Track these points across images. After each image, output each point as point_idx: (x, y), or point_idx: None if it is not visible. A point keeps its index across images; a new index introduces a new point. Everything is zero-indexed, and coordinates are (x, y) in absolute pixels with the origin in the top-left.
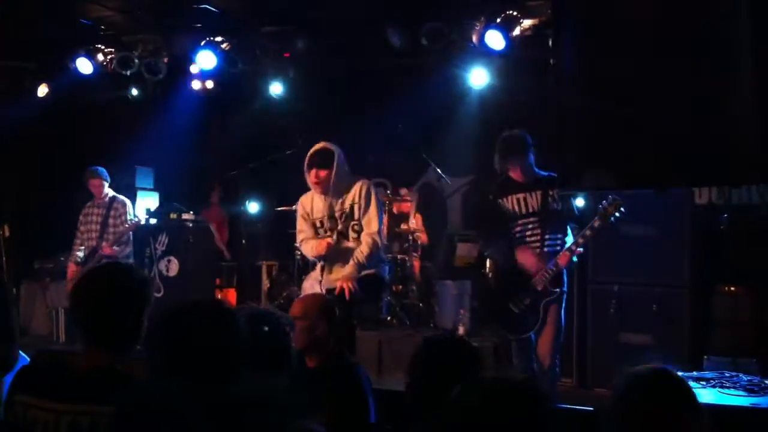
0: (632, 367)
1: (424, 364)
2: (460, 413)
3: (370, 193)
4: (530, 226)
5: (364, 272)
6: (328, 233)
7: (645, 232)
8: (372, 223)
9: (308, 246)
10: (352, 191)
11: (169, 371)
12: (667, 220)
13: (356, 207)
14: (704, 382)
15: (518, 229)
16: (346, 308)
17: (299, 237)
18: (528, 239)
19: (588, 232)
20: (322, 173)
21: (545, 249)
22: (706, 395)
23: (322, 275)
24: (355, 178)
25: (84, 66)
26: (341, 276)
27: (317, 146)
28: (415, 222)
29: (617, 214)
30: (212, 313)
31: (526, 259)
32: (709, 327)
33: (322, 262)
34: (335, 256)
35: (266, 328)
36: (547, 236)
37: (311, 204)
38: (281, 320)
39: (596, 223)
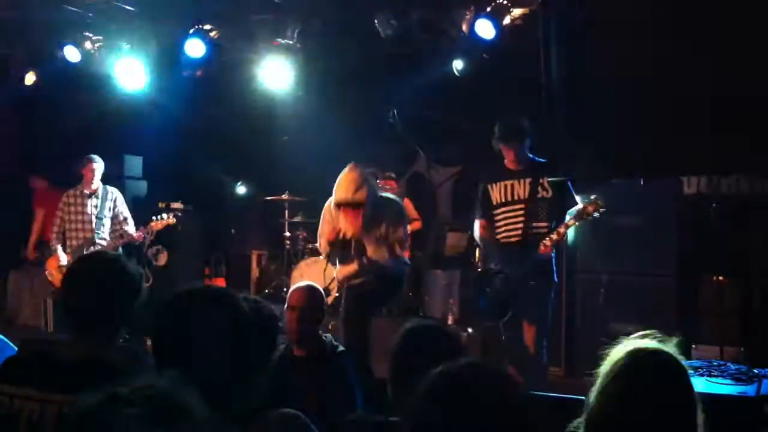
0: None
1: (403, 353)
2: (424, 402)
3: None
4: (512, 213)
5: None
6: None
7: (633, 221)
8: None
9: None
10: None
11: (176, 359)
12: (656, 210)
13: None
14: (692, 371)
15: (500, 216)
16: (362, 305)
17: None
18: (509, 226)
19: (562, 230)
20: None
21: (528, 237)
22: (694, 384)
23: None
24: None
25: (72, 54)
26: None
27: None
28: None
29: (596, 215)
30: (220, 298)
31: None
32: (697, 316)
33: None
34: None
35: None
36: (532, 224)
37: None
38: (270, 310)
39: (570, 222)
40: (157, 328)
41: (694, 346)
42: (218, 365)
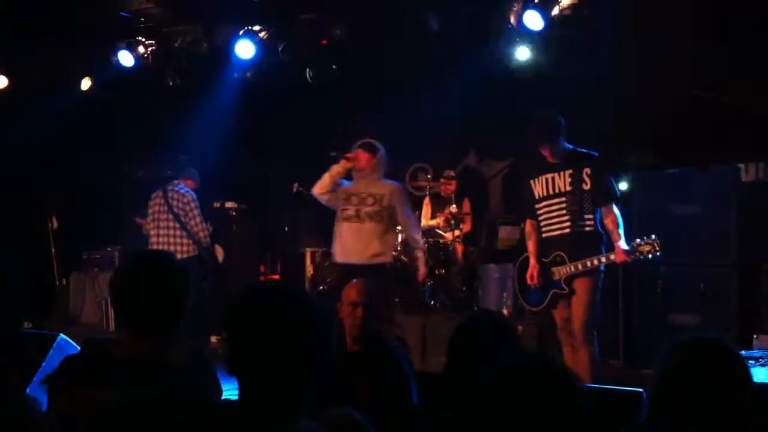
0: (678, 338)
1: (460, 344)
2: (482, 395)
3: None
4: (555, 207)
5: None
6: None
7: (691, 210)
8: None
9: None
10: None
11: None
12: (714, 198)
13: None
14: (753, 361)
15: (542, 210)
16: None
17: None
18: (553, 220)
19: (604, 259)
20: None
21: (576, 230)
22: (756, 374)
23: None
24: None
25: (126, 59)
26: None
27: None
28: (463, 206)
29: (650, 257)
30: (293, 295)
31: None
32: (758, 306)
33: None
34: (354, 234)
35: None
36: (575, 217)
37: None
38: (329, 306)
39: (618, 258)
40: (231, 328)
41: (755, 336)
42: (291, 363)
